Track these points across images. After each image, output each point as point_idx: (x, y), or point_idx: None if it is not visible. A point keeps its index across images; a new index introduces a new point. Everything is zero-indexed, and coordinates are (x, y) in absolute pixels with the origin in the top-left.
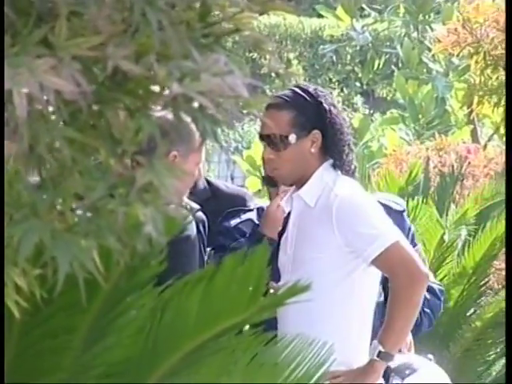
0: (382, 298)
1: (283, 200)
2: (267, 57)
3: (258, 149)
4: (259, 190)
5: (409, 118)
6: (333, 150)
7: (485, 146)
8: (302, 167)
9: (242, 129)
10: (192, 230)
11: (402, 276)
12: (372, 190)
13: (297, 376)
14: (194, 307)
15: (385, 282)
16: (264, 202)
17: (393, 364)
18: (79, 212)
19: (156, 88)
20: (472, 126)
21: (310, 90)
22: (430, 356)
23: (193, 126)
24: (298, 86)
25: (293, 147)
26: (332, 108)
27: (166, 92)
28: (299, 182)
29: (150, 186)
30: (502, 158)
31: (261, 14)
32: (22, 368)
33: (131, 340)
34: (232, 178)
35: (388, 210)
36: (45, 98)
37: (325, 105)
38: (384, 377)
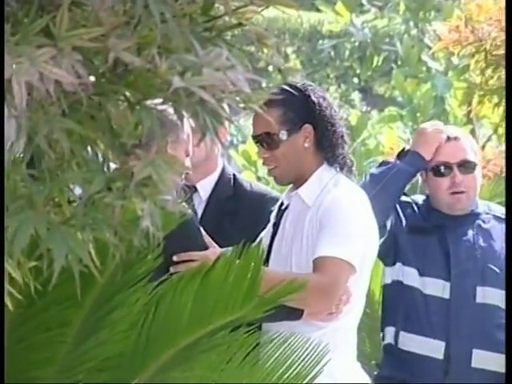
0: None
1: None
2: (265, 50)
3: (253, 143)
4: None
5: (407, 116)
6: (325, 142)
7: (483, 147)
8: (298, 164)
9: (238, 122)
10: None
11: (314, 289)
12: None
13: (290, 375)
14: (188, 303)
15: None
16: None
17: None
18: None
19: (157, 81)
20: (471, 126)
21: (298, 85)
22: None
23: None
24: (286, 83)
25: (285, 144)
26: (321, 100)
27: (167, 85)
28: (298, 180)
29: (148, 181)
30: (501, 160)
31: (264, 8)
32: (15, 360)
33: (124, 335)
34: None
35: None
36: (44, 88)
37: (313, 98)
38: None
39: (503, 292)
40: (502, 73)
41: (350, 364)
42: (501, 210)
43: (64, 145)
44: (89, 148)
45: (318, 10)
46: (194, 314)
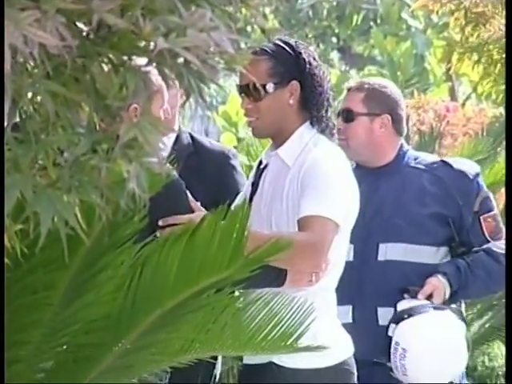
0: None
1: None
2: (243, 10)
3: (233, 104)
4: (235, 147)
5: (387, 75)
6: (311, 102)
7: (463, 105)
8: (280, 119)
9: (218, 83)
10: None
11: (302, 247)
12: None
13: (275, 335)
14: (174, 264)
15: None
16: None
17: (399, 307)
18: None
19: (141, 43)
20: (450, 84)
21: (291, 42)
22: (455, 306)
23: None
24: (278, 39)
25: (271, 97)
26: (312, 60)
27: (151, 47)
28: (277, 137)
29: (134, 142)
30: (481, 117)
31: None
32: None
33: (110, 297)
34: (206, 134)
35: (448, 169)
36: (28, 51)
37: (304, 56)
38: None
39: (407, 245)
40: (482, 30)
41: (333, 324)
42: (429, 162)
43: (49, 107)
44: (74, 110)
45: None
46: (180, 275)
